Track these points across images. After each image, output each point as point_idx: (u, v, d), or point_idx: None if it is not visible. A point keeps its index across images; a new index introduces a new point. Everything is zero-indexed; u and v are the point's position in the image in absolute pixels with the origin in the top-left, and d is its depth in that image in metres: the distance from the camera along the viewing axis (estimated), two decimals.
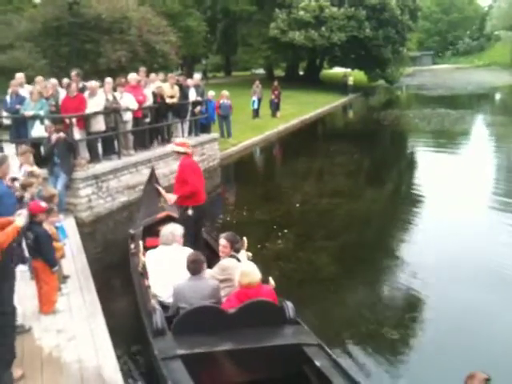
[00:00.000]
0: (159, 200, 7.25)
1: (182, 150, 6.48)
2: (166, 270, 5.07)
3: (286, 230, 8.88)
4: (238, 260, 5.02)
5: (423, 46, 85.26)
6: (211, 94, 15.32)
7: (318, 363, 3.85)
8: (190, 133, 13.60)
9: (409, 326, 5.73)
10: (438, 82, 48.46)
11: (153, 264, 5.24)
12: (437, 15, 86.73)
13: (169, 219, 6.69)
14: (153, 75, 13.22)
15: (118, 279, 7.11)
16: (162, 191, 6.92)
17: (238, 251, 5.18)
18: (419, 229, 9.15)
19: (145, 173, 11.23)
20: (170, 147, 7.32)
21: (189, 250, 5.15)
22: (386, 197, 12.07)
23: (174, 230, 5.45)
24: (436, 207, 10.39)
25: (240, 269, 4.48)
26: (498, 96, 38.48)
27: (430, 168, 14.56)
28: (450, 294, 6.36)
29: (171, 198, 6.43)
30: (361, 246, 8.42)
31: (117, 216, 10.03)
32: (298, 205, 10.69)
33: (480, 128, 22.69)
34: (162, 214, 7.06)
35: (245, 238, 5.59)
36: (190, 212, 6.32)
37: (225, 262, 5.00)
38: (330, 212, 10.32)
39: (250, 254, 5.41)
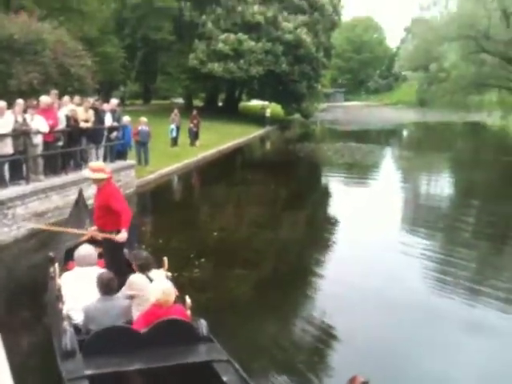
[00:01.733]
0: (85, 223, 6.90)
1: (102, 176, 5.99)
2: (81, 292, 4.89)
3: (203, 259, 8.76)
4: (149, 278, 4.89)
5: (336, 83, 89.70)
6: (127, 119, 15.00)
7: (225, 379, 3.86)
8: (104, 159, 13.19)
9: (319, 351, 5.82)
10: (350, 117, 50.95)
11: (68, 286, 5.03)
12: (349, 54, 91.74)
13: (93, 242, 6.39)
14: (66, 98, 12.78)
15: (24, 311, 6.65)
16: (107, 235, 6.04)
17: (144, 269, 5.00)
18: (334, 256, 9.41)
19: (55, 199, 10.74)
20: (85, 173, 6.66)
21: (104, 271, 4.98)
22: (302, 225, 12.31)
23: (88, 251, 5.30)
24: (349, 235, 10.73)
25: (153, 287, 4.43)
26: (404, 132, 41.02)
27: (343, 198, 15.14)
28: (360, 319, 6.52)
29: (122, 236, 5.84)
30: (278, 275, 8.49)
31: (23, 244, 9.44)
32: (215, 233, 10.63)
33: (388, 161, 23.99)
34: (85, 237, 6.72)
35: (165, 258, 5.48)
36: (115, 235, 5.97)
37: (132, 277, 4.92)
38: (247, 240, 10.35)
39: (170, 274, 5.30)
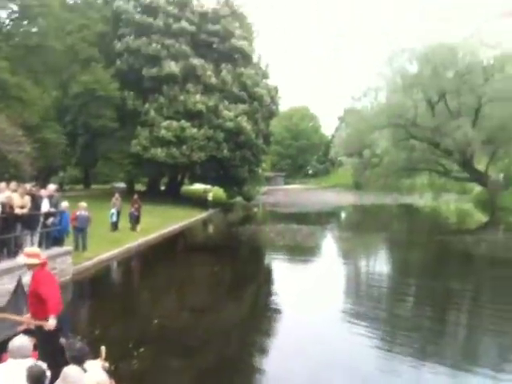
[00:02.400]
0: (23, 311, 6.56)
1: (35, 261, 5.96)
2: None
3: (142, 348, 8.43)
4: (84, 370, 4.68)
5: (276, 167, 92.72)
6: (65, 204, 14.71)
7: None
8: (40, 245, 12.75)
9: None
10: (290, 200, 52.23)
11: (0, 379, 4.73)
12: (288, 141, 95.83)
13: (30, 332, 6.03)
14: (2, 184, 12.50)
15: None
16: (39, 323, 6.04)
17: (79, 361, 4.80)
18: (276, 342, 9.28)
19: None
20: (20, 259, 6.61)
21: (39, 363, 4.71)
22: (245, 310, 12.15)
23: (23, 342, 5.00)
24: (291, 319, 10.67)
25: (87, 379, 4.29)
26: (342, 214, 42.29)
27: (286, 280, 15.16)
28: None
29: (51, 324, 5.76)
30: (220, 364, 8.26)
31: None
32: (156, 320, 10.30)
33: (328, 242, 24.48)
34: (21, 328, 6.35)
35: (103, 348, 5.29)
36: (48, 323, 5.81)
37: (66, 369, 4.65)
38: (189, 327, 10.07)
39: (107, 365, 5.09)
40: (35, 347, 5.44)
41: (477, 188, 39.47)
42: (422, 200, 39.32)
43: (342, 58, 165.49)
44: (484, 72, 34.87)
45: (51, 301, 5.80)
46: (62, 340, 5.84)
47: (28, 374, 4.32)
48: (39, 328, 5.80)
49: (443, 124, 34.56)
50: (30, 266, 6.02)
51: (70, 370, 4.63)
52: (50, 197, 13.83)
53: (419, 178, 41.59)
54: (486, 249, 19.77)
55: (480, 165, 36.84)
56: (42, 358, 5.30)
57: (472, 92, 34.19)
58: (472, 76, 34.35)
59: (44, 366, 4.65)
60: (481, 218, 33.64)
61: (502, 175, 37.38)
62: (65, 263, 13.66)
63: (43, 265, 6.07)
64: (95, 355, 5.20)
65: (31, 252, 6.24)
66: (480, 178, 36.74)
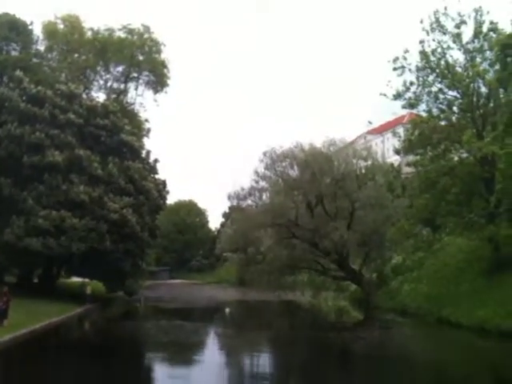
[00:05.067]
0: None
1: None
2: None
3: None
4: None
5: (161, 261, 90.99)
6: None
7: None
8: None
9: None
10: (175, 295, 51.00)
11: None
12: (174, 235, 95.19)
13: None
14: None
15: None
16: None
17: None
18: None
19: None
20: None
21: None
22: None
23: None
24: None
25: None
26: (226, 310, 42.00)
27: (166, 379, 14.49)
28: None
29: None
30: None
31: None
32: None
33: (212, 339, 24.05)
34: None
35: None
36: None
37: None
38: None
39: None
40: None
41: (352, 287, 41.58)
42: (304, 297, 40.44)
43: (228, 155, 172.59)
44: (357, 179, 38.28)
45: None
46: None
47: None
48: None
49: (321, 225, 36.73)
50: None
51: None
52: None
53: (300, 275, 43.02)
54: (363, 346, 20.58)
55: (355, 265, 39.16)
56: None
57: (347, 197, 37.14)
58: (346, 183, 37.50)
59: None
60: (357, 315, 35.19)
61: (374, 275, 39.88)
62: None
63: None
64: None
65: None
66: (355, 277, 38.90)
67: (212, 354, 19.64)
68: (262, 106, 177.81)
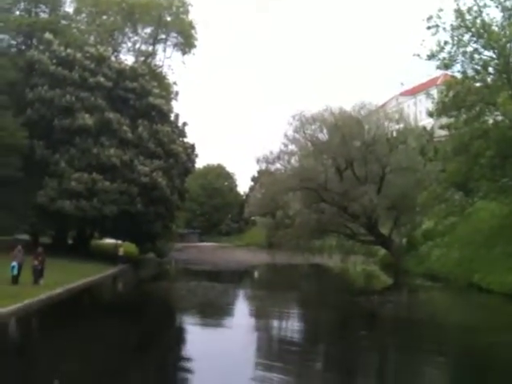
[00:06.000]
0: None
1: None
2: None
3: None
4: None
5: (191, 224, 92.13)
6: None
7: None
8: None
9: None
10: (204, 257, 51.77)
11: None
12: (202, 199, 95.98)
13: None
14: None
15: None
16: None
17: None
18: None
19: None
20: None
21: None
22: (152, 372, 11.61)
23: None
24: (204, 380, 10.36)
25: None
26: (255, 273, 42.50)
27: (198, 338, 14.80)
28: None
29: None
30: None
31: None
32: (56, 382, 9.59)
33: (241, 300, 24.39)
34: None
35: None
36: None
37: None
38: None
39: None
40: None
41: (382, 251, 41.41)
42: (332, 261, 40.52)
43: (257, 120, 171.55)
44: (388, 143, 37.55)
45: None
46: None
47: None
48: None
49: (351, 189, 36.41)
50: None
51: None
52: None
53: (329, 239, 43.02)
54: (391, 309, 20.57)
55: (385, 229, 38.88)
56: None
57: (377, 161, 36.57)
58: (377, 146, 36.85)
59: None
60: (386, 280, 35.13)
61: (404, 240, 39.59)
62: None
63: None
64: None
65: None
66: (384, 241, 38.70)
67: (241, 314, 19.96)
68: (293, 69, 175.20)
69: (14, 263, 20.06)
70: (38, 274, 21.37)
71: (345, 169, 37.91)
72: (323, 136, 39.94)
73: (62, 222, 36.00)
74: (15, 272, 19.93)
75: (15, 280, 19.82)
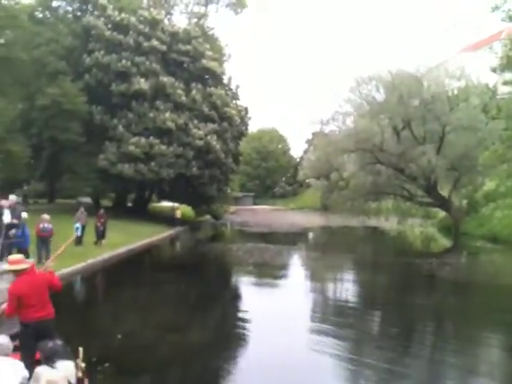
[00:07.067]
0: None
1: (25, 266, 6.30)
2: None
3: (106, 364, 8.20)
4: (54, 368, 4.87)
5: (245, 187, 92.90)
6: (24, 216, 14.27)
7: None
8: (1, 257, 12.35)
9: None
10: (259, 220, 52.22)
11: None
12: (256, 162, 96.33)
13: (13, 336, 6.18)
14: None
15: None
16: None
17: (48, 360, 5.05)
18: (244, 363, 9.14)
19: None
20: (5, 266, 7.15)
21: (16, 362, 5.11)
22: (212, 328, 11.94)
23: (1, 341, 5.35)
24: (259, 337, 10.53)
25: (45, 377, 4.44)
26: (310, 235, 42.51)
27: (254, 298, 15.06)
28: None
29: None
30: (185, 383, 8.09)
31: None
32: (119, 336, 10.04)
33: (296, 261, 24.52)
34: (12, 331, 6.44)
35: (81, 349, 5.67)
36: (26, 327, 6.11)
37: (37, 369, 4.88)
38: (153, 345, 9.82)
39: (83, 365, 5.37)
40: (18, 348, 5.88)
41: (441, 213, 40.29)
42: (388, 224, 39.88)
43: (310, 82, 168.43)
44: (449, 101, 35.91)
45: (8, 311, 6.19)
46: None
47: None
48: (22, 331, 6.17)
49: (408, 150, 35.28)
50: (19, 272, 6.29)
51: (38, 369, 4.85)
52: (13, 208, 13.45)
53: (385, 201, 42.21)
54: (450, 272, 20.11)
55: (444, 191, 37.68)
56: (23, 358, 5.64)
57: (437, 120, 35.10)
58: (437, 105, 35.29)
59: (20, 364, 5.09)
60: (445, 242, 34.28)
61: (465, 202, 38.27)
62: None
63: (27, 270, 6.36)
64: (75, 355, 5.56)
65: (15, 259, 6.51)
66: (444, 203, 37.53)
67: (297, 275, 20.07)
68: (346, 30, 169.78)
69: (78, 225, 20.92)
70: (100, 235, 22.28)
71: (402, 129, 36.70)
72: (380, 95, 38.68)
73: (121, 185, 37.16)
74: (79, 233, 20.81)
75: (79, 240, 20.71)
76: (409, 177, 36.65)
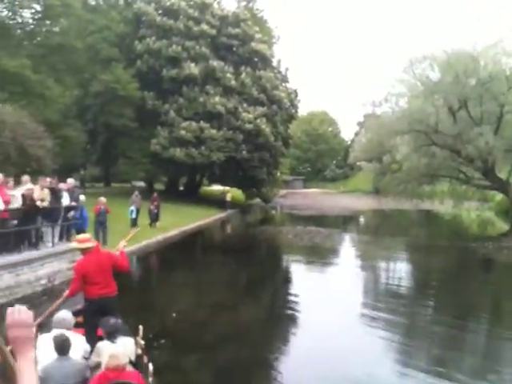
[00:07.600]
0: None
1: (88, 245, 6.51)
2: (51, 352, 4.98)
3: (162, 340, 8.44)
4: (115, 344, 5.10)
5: (295, 171, 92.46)
6: (82, 198, 14.72)
7: None
8: (61, 238, 12.84)
9: None
10: (309, 203, 51.95)
11: (41, 347, 5.10)
12: (306, 145, 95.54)
13: (77, 311, 6.51)
14: (26, 177, 12.60)
15: None
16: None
17: (110, 336, 5.27)
18: (295, 341, 9.19)
19: (6, 278, 10.23)
20: (73, 244, 7.27)
21: (79, 337, 5.35)
22: (264, 308, 12.05)
23: (64, 316, 5.53)
24: (311, 319, 10.49)
25: (108, 352, 4.57)
26: (361, 218, 41.96)
27: (305, 280, 15.03)
28: None
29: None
30: (238, 361, 8.18)
31: None
32: (174, 314, 10.28)
33: (347, 244, 24.28)
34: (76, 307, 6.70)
35: (140, 327, 5.95)
36: (90, 304, 6.34)
37: (98, 344, 5.15)
38: (207, 323, 10.00)
39: (143, 342, 5.57)
40: (81, 325, 6.15)
41: (498, 196, 38.78)
42: (443, 207, 38.80)
43: (361, 64, 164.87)
44: (507, 81, 34.27)
45: (72, 290, 6.39)
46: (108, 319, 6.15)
47: (54, 343, 4.81)
48: (86, 307, 6.40)
49: (464, 131, 33.98)
50: (85, 250, 6.53)
51: (100, 345, 5.14)
52: (71, 191, 13.92)
53: (440, 184, 41.01)
54: (507, 255, 19.38)
55: (502, 173, 36.19)
56: (86, 334, 5.91)
57: (494, 100, 33.58)
58: (494, 84, 33.73)
59: (82, 339, 5.39)
60: (502, 226, 33.05)
61: None
62: None
63: (93, 249, 6.59)
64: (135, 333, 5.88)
65: (82, 238, 6.79)
66: (501, 186, 36.03)
67: (348, 258, 19.88)
68: (398, 10, 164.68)
69: (132, 207, 21.48)
70: (154, 217, 22.82)
71: (458, 109, 35.35)
72: (434, 75, 37.35)
73: (173, 168, 37.82)
74: (134, 216, 21.37)
75: (134, 223, 21.27)
76: (465, 159, 35.36)
